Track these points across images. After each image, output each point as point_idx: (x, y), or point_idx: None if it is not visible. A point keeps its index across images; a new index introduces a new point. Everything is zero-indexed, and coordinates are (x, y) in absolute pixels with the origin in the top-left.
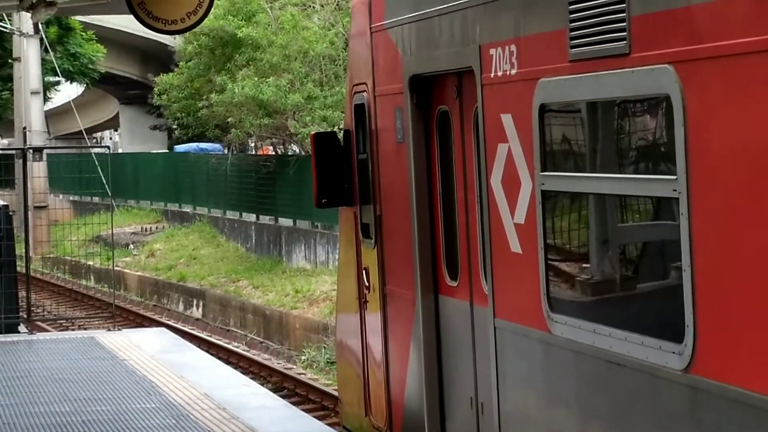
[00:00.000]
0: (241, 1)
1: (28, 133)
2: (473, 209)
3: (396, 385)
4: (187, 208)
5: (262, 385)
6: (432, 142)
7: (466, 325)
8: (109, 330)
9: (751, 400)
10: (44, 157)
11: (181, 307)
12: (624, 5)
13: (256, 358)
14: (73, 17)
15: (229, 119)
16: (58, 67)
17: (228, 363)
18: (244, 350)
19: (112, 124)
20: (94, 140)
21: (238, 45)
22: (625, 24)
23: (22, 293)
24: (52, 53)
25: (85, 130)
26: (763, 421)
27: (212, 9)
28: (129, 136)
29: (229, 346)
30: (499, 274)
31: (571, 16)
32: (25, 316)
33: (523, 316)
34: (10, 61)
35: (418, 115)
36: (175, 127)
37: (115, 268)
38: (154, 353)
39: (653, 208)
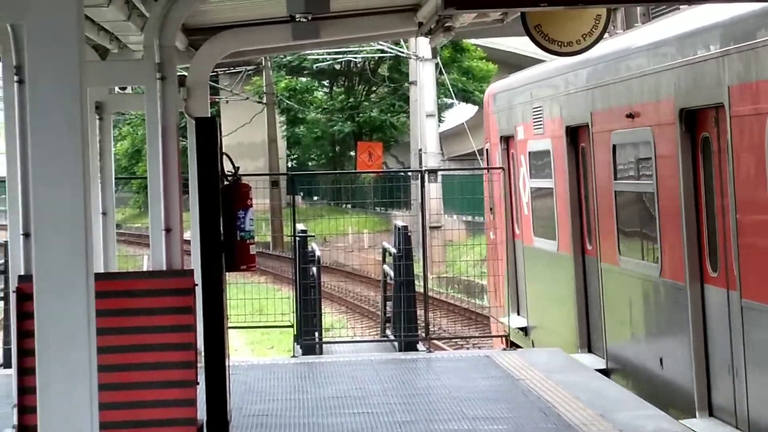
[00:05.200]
0: None
1: (423, 155)
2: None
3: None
4: None
5: None
6: (509, 168)
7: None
8: (505, 349)
9: None
10: (439, 178)
11: None
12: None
13: None
14: (466, 40)
15: None
16: (453, 89)
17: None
18: None
19: None
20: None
21: None
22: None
23: (419, 312)
24: (446, 75)
25: (477, 151)
26: None
27: (607, 30)
28: None
29: None
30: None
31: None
32: (423, 334)
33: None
34: (406, 84)
35: (505, 155)
36: None
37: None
38: (549, 373)
39: None
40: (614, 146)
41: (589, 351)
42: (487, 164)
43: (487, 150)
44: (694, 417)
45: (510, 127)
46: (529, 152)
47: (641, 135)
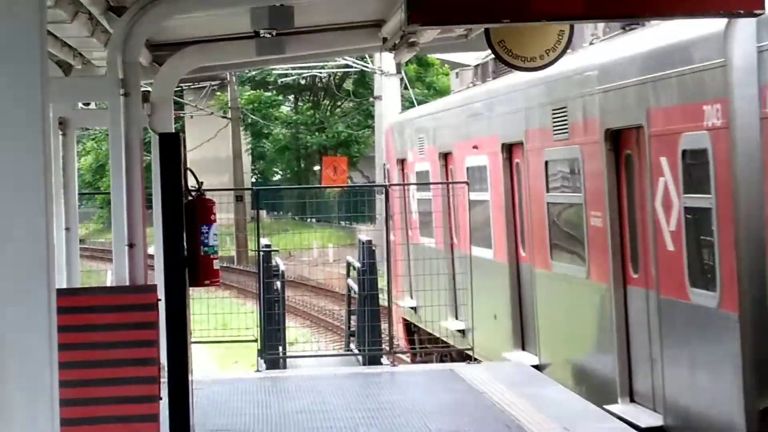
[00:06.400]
0: None
1: (388, 169)
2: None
3: None
4: None
5: None
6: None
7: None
8: (468, 363)
9: None
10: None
11: None
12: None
13: None
14: (432, 56)
15: None
16: (417, 104)
17: None
18: None
19: None
20: None
21: None
22: None
23: (383, 326)
24: (411, 90)
25: None
26: None
27: (570, 46)
28: None
29: None
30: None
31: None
32: (387, 348)
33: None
34: (371, 99)
35: (400, 174)
36: None
37: None
38: (513, 386)
39: None
40: (467, 168)
41: (456, 318)
42: (387, 181)
43: (387, 170)
44: (511, 351)
45: (404, 152)
46: (416, 172)
47: (481, 160)
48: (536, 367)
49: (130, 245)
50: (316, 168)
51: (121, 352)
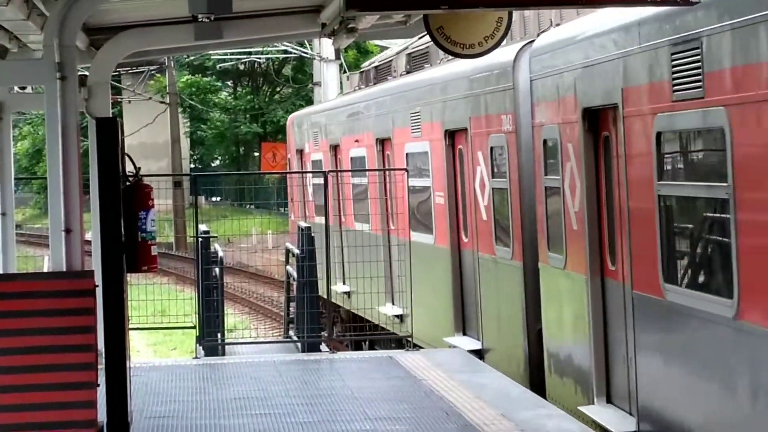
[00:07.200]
0: None
1: (289, 158)
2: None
3: None
4: None
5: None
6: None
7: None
8: (407, 350)
9: None
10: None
11: None
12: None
13: None
14: (371, 42)
15: None
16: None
17: None
18: None
19: None
20: None
21: None
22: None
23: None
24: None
25: None
26: None
27: (508, 33)
28: None
29: None
30: None
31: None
32: (326, 335)
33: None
34: (310, 85)
35: (300, 163)
36: None
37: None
38: (452, 373)
39: None
40: (351, 158)
41: (343, 283)
42: (289, 169)
43: (289, 159)
44: (384, 305)
45: (302, 144)
46: (312, 161)
47: (362, 152)
48: (399, 317)
49: (67, 231)
50: (256, 154)
51: (58, 338)
